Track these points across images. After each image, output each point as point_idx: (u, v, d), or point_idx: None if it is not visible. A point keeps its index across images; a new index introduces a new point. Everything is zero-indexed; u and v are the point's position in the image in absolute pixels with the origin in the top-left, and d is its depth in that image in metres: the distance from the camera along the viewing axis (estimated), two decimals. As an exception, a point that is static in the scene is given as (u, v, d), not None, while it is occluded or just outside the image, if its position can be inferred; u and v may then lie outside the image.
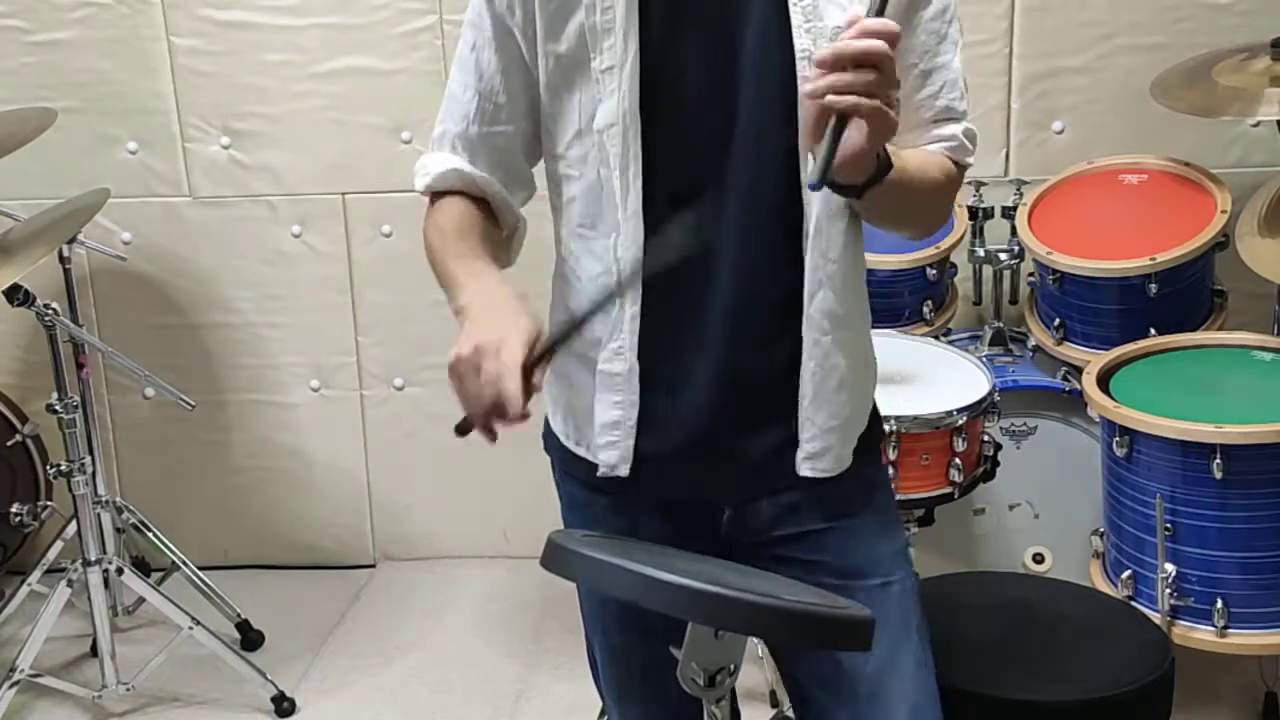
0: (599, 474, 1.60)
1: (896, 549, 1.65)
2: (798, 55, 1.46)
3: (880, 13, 1.33)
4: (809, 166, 1.34)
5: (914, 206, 1.55)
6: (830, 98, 1.30)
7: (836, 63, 1.30)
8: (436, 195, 1.64)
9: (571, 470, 1.65)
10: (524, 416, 1.32)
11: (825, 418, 1.56)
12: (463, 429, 1.38)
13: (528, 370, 1.32)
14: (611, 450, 1.58)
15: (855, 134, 1.33)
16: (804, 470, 1.58)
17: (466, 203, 1.61)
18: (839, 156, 1.32)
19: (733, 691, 1.64)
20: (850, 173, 1.37)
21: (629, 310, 1.53)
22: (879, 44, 1.29)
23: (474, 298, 1.44)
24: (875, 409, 1.68)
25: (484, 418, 1.34)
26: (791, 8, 1.46)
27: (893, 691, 1.58)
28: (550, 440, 1.69)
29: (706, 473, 1.59)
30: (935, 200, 1.58)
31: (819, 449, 1.57)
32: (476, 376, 1.32)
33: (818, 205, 1.50)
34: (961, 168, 1.59)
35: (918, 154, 1.53)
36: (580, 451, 1.63)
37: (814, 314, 1.53)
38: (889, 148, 1.41)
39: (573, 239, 1.57)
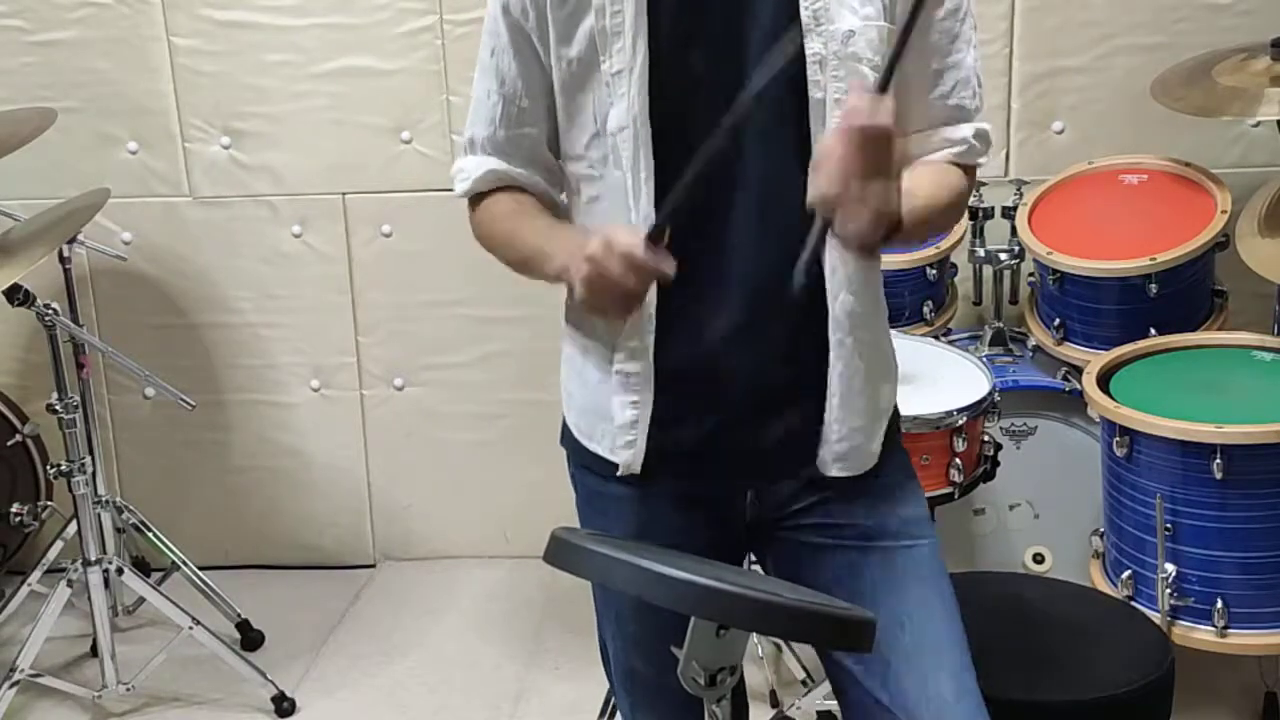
0: (619, 474, 1.60)
1: (922, 514, 1.66)
2: (808, 59, 1.47)
3: (884, 87, 1.32)
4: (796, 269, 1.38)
5: (925, 233, 1.56)
6: (817, 203, 1.34)
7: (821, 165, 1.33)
8: (477, 198, 1.65)
9: (587, 464, 1.66)
10: (667, 272, 1.40)
11: (854, 417, 1.57)
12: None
13: (653, 237, 1.39)
14: (628, 450, 1.59)
15: (847, 230, 1.35)
16: (833, 471, 1.59)
17: (509, 192, 1.63)
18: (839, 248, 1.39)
19: (742, 691, 1.64)
20: (855, 253, 1.42)
21: (645, 311, 1.53)
22: (838, 158, 1.31)
23: (565, 249, 1.49)
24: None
25: (623, 304, 1.42)
26: (802, 10, 1.47)
27: (931, 653, 1.57)
28: (566, 435, 1.70)
29: (726, 465, 1.60)
30: (945, 220, 1.60)
31: (846, 449, 1.58)
32: (606, 273, 1.39)
33: None
34: (972, 170, 1.60)
35: (929, 179, 1.53)
36: (593, 447, 1.63)
37: (839, 315, 1.54)
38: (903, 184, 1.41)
39: None
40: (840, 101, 1.48)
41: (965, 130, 1.58)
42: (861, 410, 1.58)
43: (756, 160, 1.50)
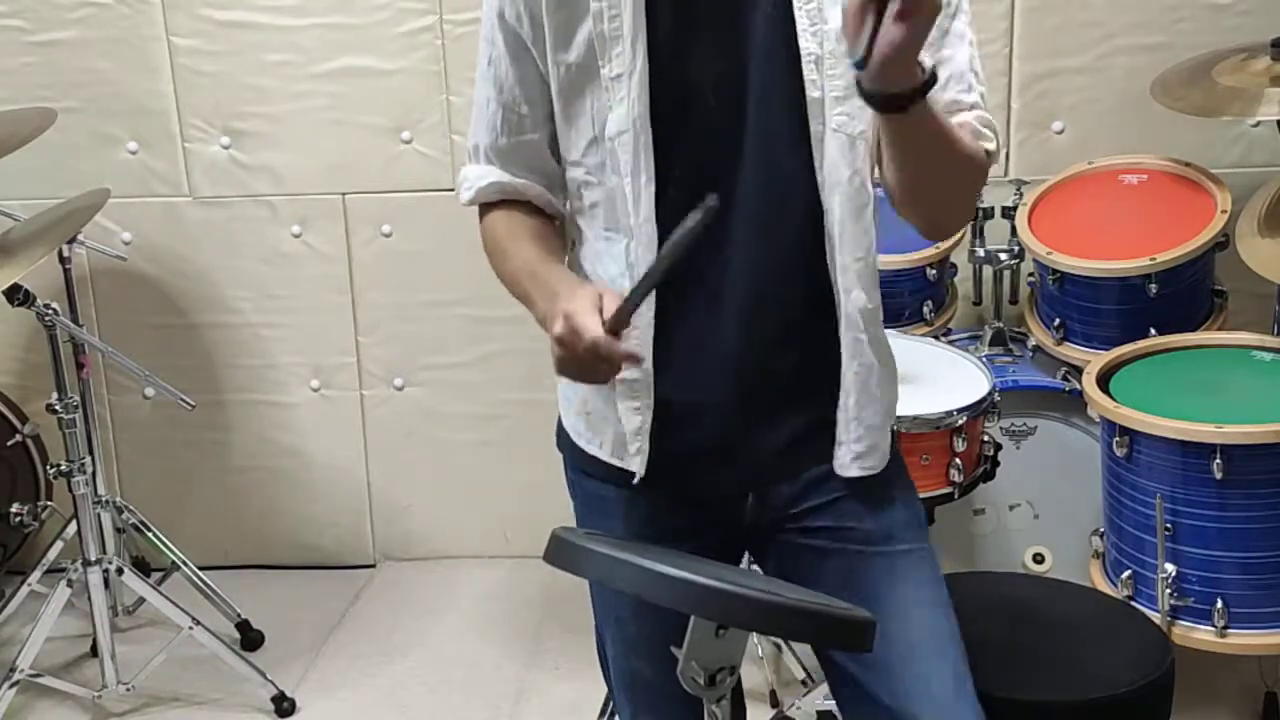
0: (634, 482, 1.60)
1: (919, 519, 1.66)
2: (803, 57, 1.47)
3: None
4: (857, 45, 1.26)
5: (945, 164, 1.46)
6: None
7: None
8: (484, 207, 1.65)
9: (585, 468, 1.66)
10: (635, 360, 1.41)
11: (871, 414, 1.58)
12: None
13: (613, 330, 1.36)
14: (637, 457, 1.59)
15: (894, 25, 1.24)
16: (852, 471, 1.58)
17: (513, 209, 1.63)
18: (881, 49, 1.25)
19: (739, 692, 1.64)
20: (893, 73, 1.29)
21: (645, 315, 1.53)
22: None
23: (545, 301, 1.48)
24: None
25: (606, 376, 1.41)
26: (797, 11, 1.47)
27: (931, 654, 1.57)
28: (563, 439, 1.70)
29: (727, 467, 1.59)
30: (964, 171, 1.50)
31: (867, 448, 1.58)
32: (579, 360, 1.37)
33: (839, 207, 1.50)
34: (986, 153, 1.54)
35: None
36: (593, 450, 1.63)
37: (851, 313, 1.54)
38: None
39: (599, 241, 1.58)
40: (840, 99, 1.47)
41: (965, 117, 1.55)
42: (876, 408, 1.59)
43: (756, 161, 1.50)
